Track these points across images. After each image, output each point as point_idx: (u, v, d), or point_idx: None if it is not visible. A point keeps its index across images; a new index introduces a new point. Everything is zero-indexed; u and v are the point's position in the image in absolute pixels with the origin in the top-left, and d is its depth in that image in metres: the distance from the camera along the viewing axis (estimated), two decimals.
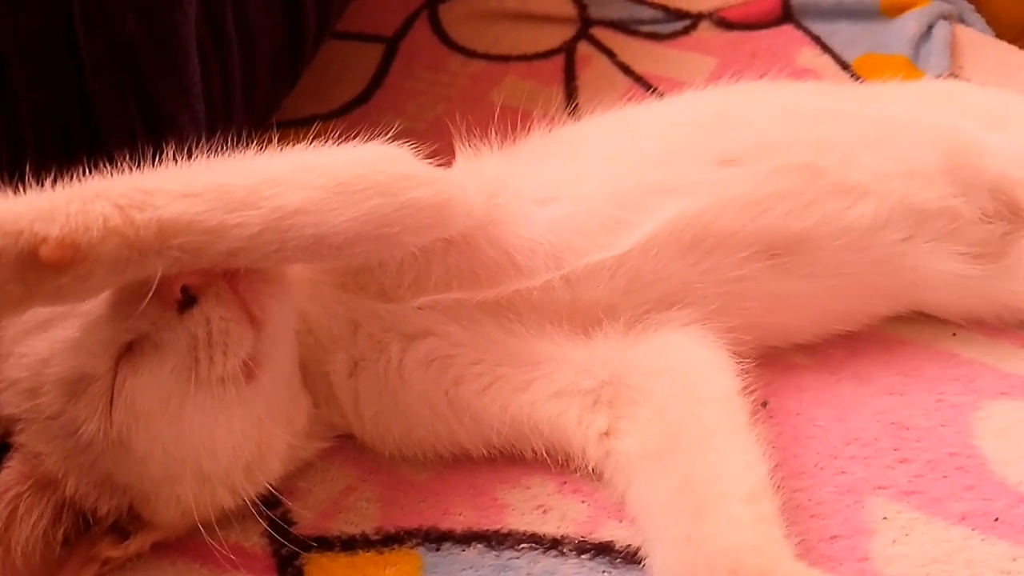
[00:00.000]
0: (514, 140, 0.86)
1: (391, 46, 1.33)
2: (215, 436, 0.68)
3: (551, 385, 0.76)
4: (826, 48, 1.27)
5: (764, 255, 0.78)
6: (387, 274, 0.77)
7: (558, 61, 1.29)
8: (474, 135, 0.84)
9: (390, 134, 0.73)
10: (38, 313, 0.68)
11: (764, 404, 0.78)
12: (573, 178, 0.81)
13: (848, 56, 1.25)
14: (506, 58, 1.30)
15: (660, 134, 0.86)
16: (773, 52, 1.27)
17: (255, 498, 0.72)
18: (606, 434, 0.74)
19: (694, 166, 0.81)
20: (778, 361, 0.82)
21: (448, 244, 0.76)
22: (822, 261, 0.79)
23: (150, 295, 0.62)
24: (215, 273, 0.65)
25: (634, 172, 0.81)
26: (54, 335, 0.67)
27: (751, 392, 0.75)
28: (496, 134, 0.85)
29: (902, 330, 0.86)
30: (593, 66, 1.28)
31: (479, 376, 0.76)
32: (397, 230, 0.68)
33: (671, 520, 0.68)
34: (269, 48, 1.06)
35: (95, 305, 0.67)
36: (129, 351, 0.66)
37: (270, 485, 0.74)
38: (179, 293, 0.65)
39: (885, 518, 0.71)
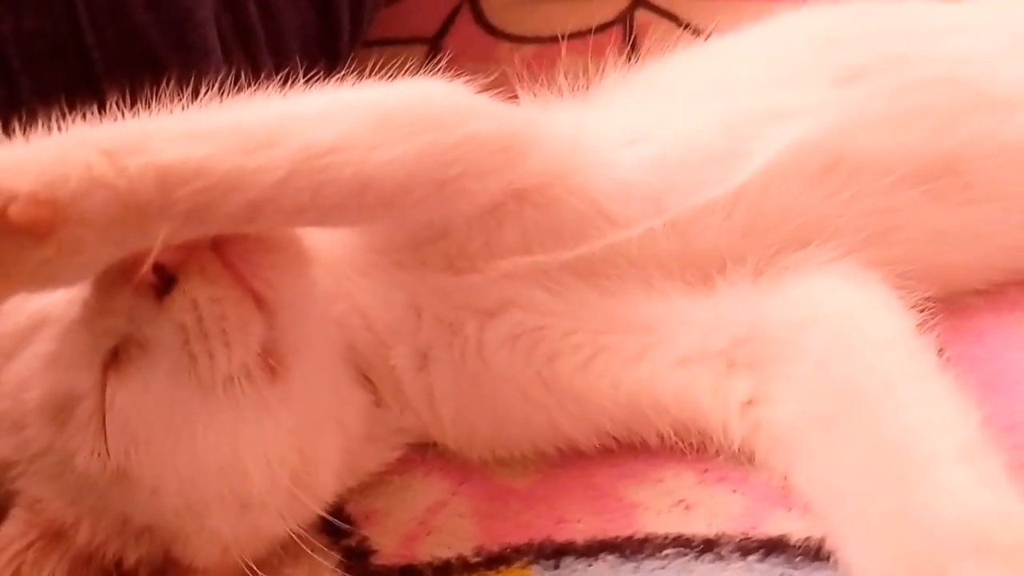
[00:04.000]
0: (585, 89, 0.77)
1: (434, 44, 1.28)
2: (240, 451, 0.56)
3: (672, 351, 0.64)
4: None
5: (913, 180, 0.68)
6: (452, 241, 0.66)
7: (616, 32, 1.20)
8: (540, 84, 0.75)
9: None
10: (16, 328, 0.58)
11: (940, 352, 0.64)
12: (664, 114, 0.72)
13: None
14: (558, 38, 1.16)
15: (761, 56, 0.76)
16: None
17: (317, 523, 0.62)
18: (750, 403, 0.62)
19: (809, 85, 0.71)
20: (946, 304, 0.69)
21: (521, 198, 0.65)
22: (981, 184, 0.69)
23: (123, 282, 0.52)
24: (199, 244, 0.54)
25: (737, 98, 0.71)
26: (31, 351, 0.57)
27: (926, 334, 0.63)
28: (564, 83, 0.76)
29: None
30: (655, 32, 1.15)
31: (578, 348, 0.65)
32: (457, 172, 0.58)
33: (867, 497, 0.55)
34: (300, 41, 1.00)
35: (71, 307, 0.56)
36: (115, 359, 0.55)
37: (337, 508, 0.63)
38: (152, 275, 0.53)
39: None
